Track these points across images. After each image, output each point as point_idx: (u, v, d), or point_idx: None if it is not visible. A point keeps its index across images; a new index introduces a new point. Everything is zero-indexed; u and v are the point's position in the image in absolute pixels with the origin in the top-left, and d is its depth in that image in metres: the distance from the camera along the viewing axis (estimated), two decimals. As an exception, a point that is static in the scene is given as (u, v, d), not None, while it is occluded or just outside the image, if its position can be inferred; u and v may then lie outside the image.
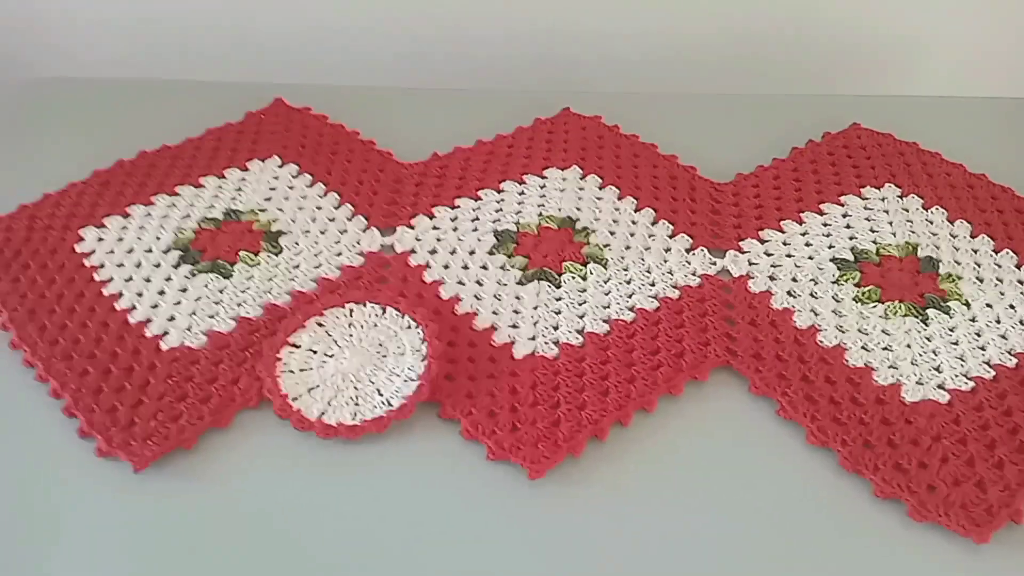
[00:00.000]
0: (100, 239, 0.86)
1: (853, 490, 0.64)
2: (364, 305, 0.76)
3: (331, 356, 0.73)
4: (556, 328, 0.75)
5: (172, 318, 0.77)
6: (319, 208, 0.89)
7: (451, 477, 0.66)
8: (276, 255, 0.83)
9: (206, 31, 1.08)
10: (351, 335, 0.74)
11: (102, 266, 0.83)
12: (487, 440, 0.67)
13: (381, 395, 0.70)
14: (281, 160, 0.95)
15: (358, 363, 0.72)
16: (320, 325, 0.75)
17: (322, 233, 0.86)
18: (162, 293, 0.80)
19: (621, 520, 0.63)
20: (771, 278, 0.79)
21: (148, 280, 0.81)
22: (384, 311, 0.76)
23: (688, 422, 0.68)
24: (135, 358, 0.74)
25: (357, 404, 0.69)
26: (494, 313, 0.77)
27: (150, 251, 0.84)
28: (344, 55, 1.08)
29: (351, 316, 0.75)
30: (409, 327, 0.74)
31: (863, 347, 0.72)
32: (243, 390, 0.71)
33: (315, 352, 0.73)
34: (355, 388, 0.70)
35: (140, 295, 0.80)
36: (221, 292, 0.80)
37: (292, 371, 0.72)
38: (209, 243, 0.85)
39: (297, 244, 0.85)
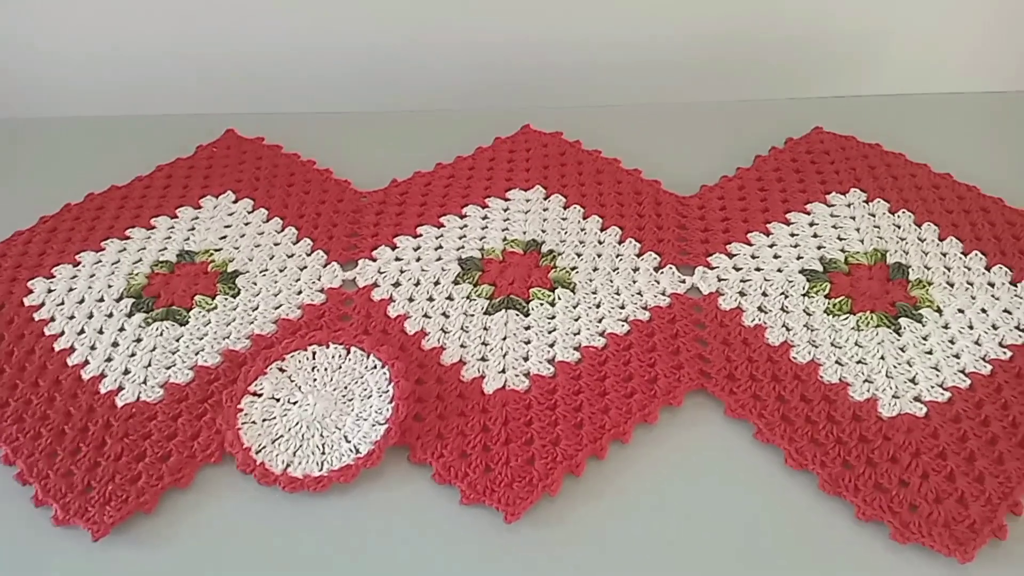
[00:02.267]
0: (49, 290, 0.82)
1: (835, 513, 0.63)
2: (327, 346, 0.74)
3: (295, 403, 0.70)
4: (526, 359, 0.73)
5: (127, 371, 0.74)
6: (277, 244, 0.86)
7: (424, 525, 0.64)
8: (233, 297, 0.81)
9: (148, 63, 1.05)
10: (315, 379, 0.72)
11: (52, 319, 0.79)
12: (460, 483, 0.65)
13: (348, 442, 0.68)
14: (235, 195, 0.92)
15: (323, 409, 0.70)
16: (282, 370, 0.72)
17: (281, 271, 0.83)
18: (116, 345, 0.77)
19: (603, 559, 0.61)
20: (741, 294, 0.77)
21: (100, 332, 0.78)
22: (348, 352, 0.73)
23: (664, 451, 0.67)
24: (90, 417, 0.71)
25: (324, 453, 0.67)
26: (462, 346, 0.75)
27: (102, 300, 0.81)
28: (293, 81, 1.05)
29: (314, 359, 0.73)
30: (375, 367, 0.72)
31: (837, 361, 0.71)
32: (203, 445, 0.68)
33: (278, 400, 0.71)
34: (321, 436, 0.68)
35: (93, 348, 0.77)
36: (177, 340, 0.77)
37: (254, 422, 0.69)
38: (163, 288, 0.82)
39: (255, 284, 0.82)
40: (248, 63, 1.05)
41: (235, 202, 0.92)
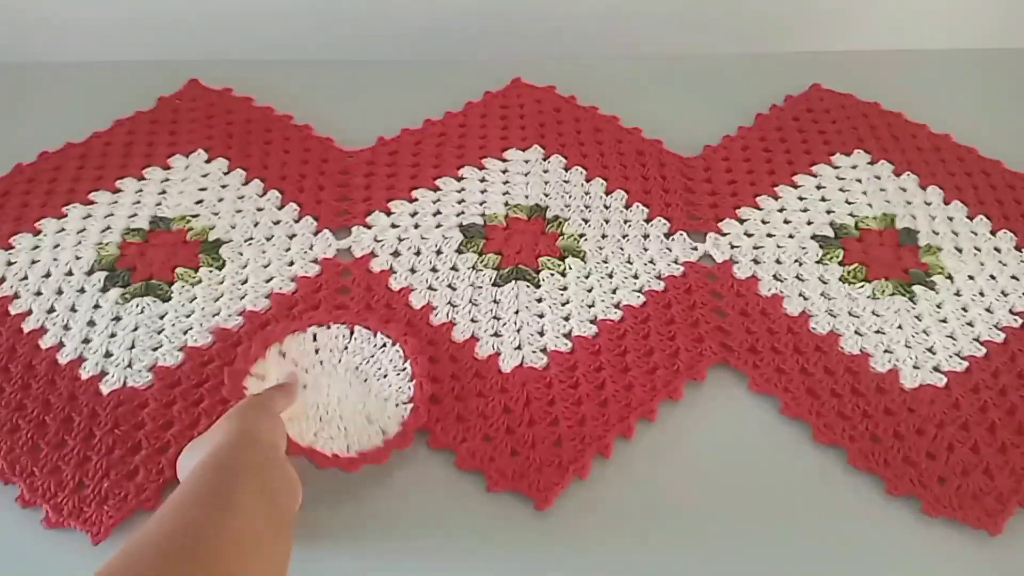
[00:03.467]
0: (10, 262, 0.74)
1: (864, 487, 0.62)
2: (328, 327, 0.69)
3: (304, 386, 0.65)
4: (542, 334, 0.70)
5: (109, 354, 0.68)
6: (260, 210, 0.80)
7: (450, 513, 0.61)
8: (219, 269, 0.75)
9: (99, 2, 0.94)
10: (321, 361, 0.67)
11: (17, 296, 0.72)
12: (486, 469, 0.62)
13: (372, 423, 0.63)
14: (208, 154, 0.85)
15: (339, 392, 0.65)
16: (283, 355, 0.67)
17: (268, 240, 0.77)
18: (92, 324, 0.70)
19: (637, 544, 0.59)
20: (755, 262, 0.76)
21: (74, 309, 0.71)
22: (352, 331, 0.69)
23: (692, 429, 0.65)
24: (72, 406, 0.65)
25: (347, 435, 0.62)
26: (473, 321, 0.71)
27: (70, 274, 0.74)
28: (261, 24, 0.97)
29: (316, 341, 0.68)
30: (384, 345, 0.68)
31: (856, 332, 0.70)
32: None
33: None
34: (341, 418, 0.63)
35: (67, 328, 0.70)
36: (161, 318, 0.71)
37: None
38: (138, 259, 0.75)
39: (241, 255, 0.76)
40: (212, 3, 0.96)
41: (208, 162, 0.84)
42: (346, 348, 0.68)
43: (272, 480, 0.50)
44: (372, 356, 0.67)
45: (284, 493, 0.51)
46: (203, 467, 0.49)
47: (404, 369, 0.66)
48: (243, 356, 0.66)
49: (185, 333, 0.70)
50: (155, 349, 0.69)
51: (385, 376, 0.66)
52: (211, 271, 0.74)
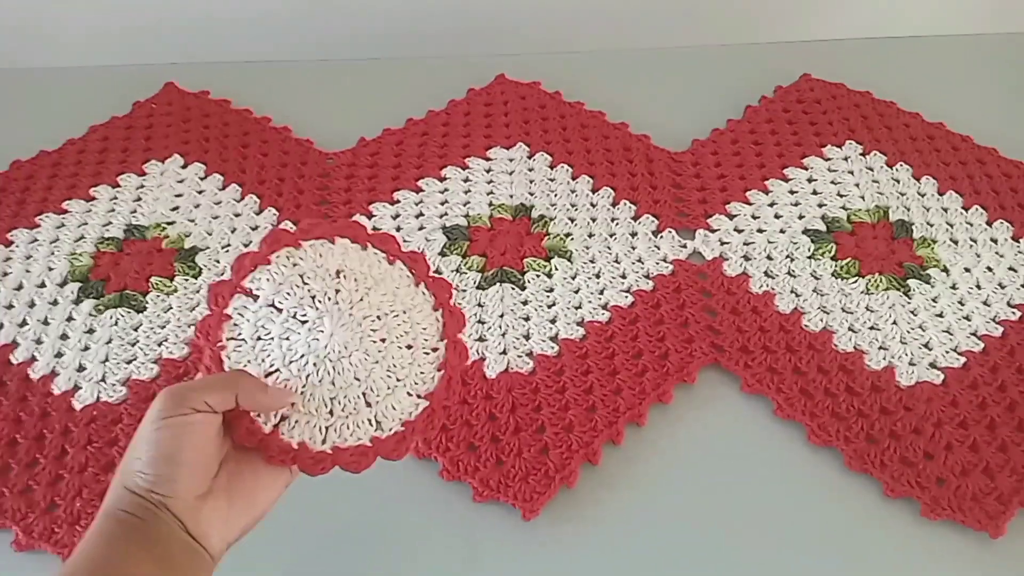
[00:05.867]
0: (-21, 276, 0.73)
1: (861, 489, 0.61)
2: (364, 248, 0.50)
3: (304, 321, 0.47)
4: (527, 338, 0.68)
5: (82, 368, 0.66)
6: (237, 215, 0.78)
7: (434, 525, 0.59)
8: (195, 278, 0.73)
9: (72, 5, 0.92)
10: (338, 290, 0.48)
11: (-14, 310, 0.70)
12: (471, 480, 0.60)
13: (369, 407, 0.47)
14: (184, 159, 0.83)
15: (342, 340, 0.47)
16: (294, 265, 0.48)
17: (245, 246, 0.75)
18: (65, 337, 0.69)
19: (628, 553, 0.58)
20: (746, 258, 0.74)
21: (46, 323, 0.70)
22: (392, 265, 0.51)
23: (683, 433, 0.64)
24: (44, 423, 0.63)
25: (331, 414, 0.47)
26: (456, 326, 0.69)
27: (43, 286, 0.72)
28: (240, 25, 0.95)
29: (344, 259, 0.49)
30: (423, 305, 0.51)
31: (850, 328, 0.69)
32: (182, 450, 0.62)
33: (280, 310, 0.47)
34: (332, 384, 0.47)
35: (39, 342, 0.68)
36: (136, 330, 0.69)
37: (244, 339, 0.47)
38: (112, 269, 0.73)
39: (218, 262, 0.74)
40: (188, 4, 0.94)
41: (184, 167, 0.83)
42: (372, 288, 0.49)
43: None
44: (404, 311, 0.50)
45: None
46: None
47: (436, 350, 0.51)
48: (238, 265, 0.48)
49: (160, 345, 0.68)
50: (129, 362, 0.67)
51: (409, 347, 0.49)
52: (187, 280, 0.72)
